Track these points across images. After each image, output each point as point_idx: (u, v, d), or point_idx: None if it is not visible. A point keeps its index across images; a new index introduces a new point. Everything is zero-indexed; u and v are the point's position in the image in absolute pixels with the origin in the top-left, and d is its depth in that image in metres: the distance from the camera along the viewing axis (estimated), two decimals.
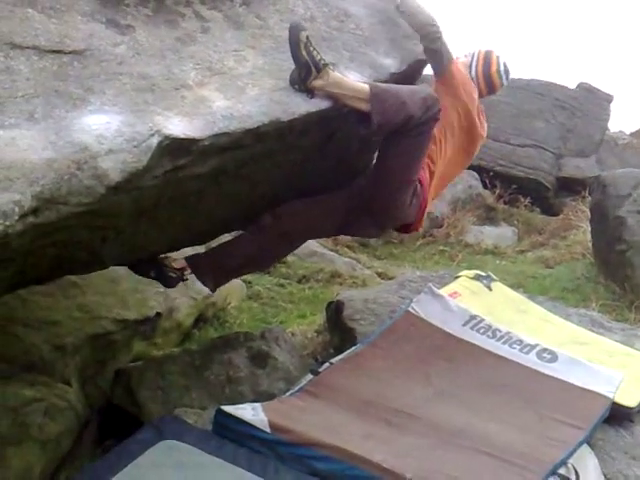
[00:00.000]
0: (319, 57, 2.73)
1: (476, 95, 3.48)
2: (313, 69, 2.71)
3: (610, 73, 30.94)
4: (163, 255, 3.26)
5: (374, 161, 3.29)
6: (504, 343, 3.48)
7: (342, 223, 3.30)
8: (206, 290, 4.89)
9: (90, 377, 3.59)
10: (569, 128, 10.50)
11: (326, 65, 2.75)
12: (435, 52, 3.23)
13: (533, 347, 3.48)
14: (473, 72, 3.55)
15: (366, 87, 2.83)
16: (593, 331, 3.94)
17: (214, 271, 3.25)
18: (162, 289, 4.46)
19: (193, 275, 3.27)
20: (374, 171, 3.20)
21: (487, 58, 3.58)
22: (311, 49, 2.72)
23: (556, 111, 10.51)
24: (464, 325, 3.57)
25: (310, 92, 2.75)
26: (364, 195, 3.17)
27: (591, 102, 10.80)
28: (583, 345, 3.67)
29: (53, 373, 3.29)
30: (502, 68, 3.59)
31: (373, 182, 3.13)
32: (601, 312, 4.66)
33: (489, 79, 3.57)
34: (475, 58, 3.59)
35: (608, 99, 10.97)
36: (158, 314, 4.24)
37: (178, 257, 3.30)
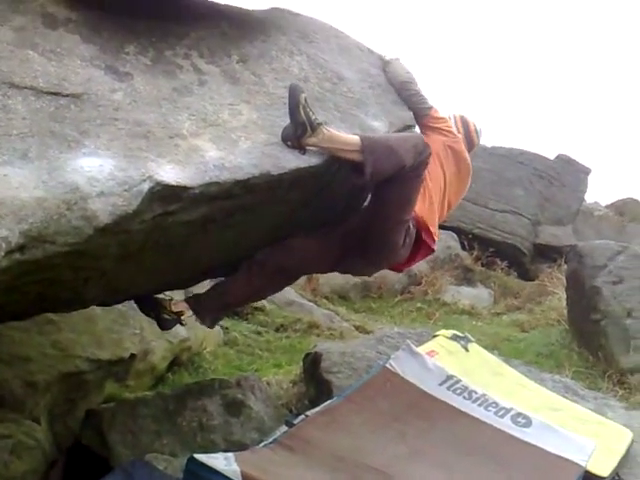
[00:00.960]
0: (314, 117, 2.82)
1: (457, 138, 3.66)
2: (308, 128, 2.80)
3: (587, 146, 31.83)
4: (165, 296, 3.30)
5: (366, 202, 3.37)
6: (480, 405, 3.50)
7: (337, 260, 3.37)
8: (183, 333, 4.92)
9: (60, 416, 3.55)
10: (547, 197, 10.76)
11: (320, 125, 2.84)
12: (413, 102, 3.55)
13: (508, 411, 3.50)
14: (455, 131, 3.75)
15: (357, 139, 2.93)
16: (567, 398, 3.97)
17: (213, 310, 3.33)
18: (138, 330, 4.47)
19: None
20: (367, 214, 3.27)
21: (464, 120, 3.90)
22: (308, 110, 2.81)
23: (535, 180, 10.79)
24: (441, 385, 3.59)
25: (302, 149, 2.84)
26: (358, 235, 3.23)
27: (569, 173, 11.11)
28: (557, 411, 3.70)
29: (23, 410, 3.25)
30: (477, 128, 3.93)
31: (366, 224, 3.20)
32: (574, 379, 4.70)
33: (469, 137, 3.85)
34: (453, 120, 3.84)
35: (586, 171, 11.29)
36: (132, 355, 4.21)
37: (178, 298, 3.34)
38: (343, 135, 2.94)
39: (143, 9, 2.96)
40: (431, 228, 3.41)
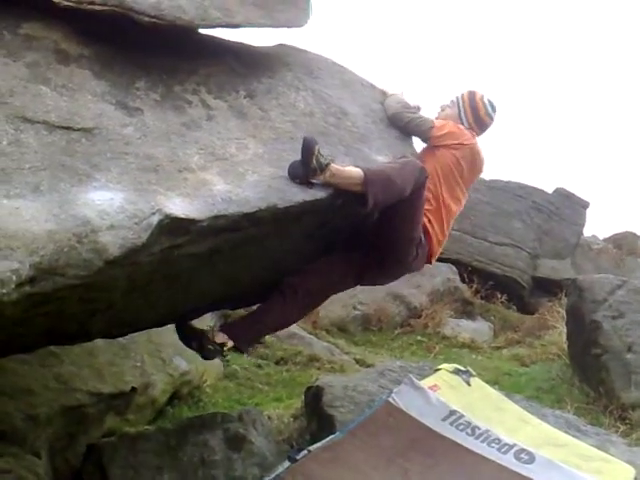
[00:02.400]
0: (323, 159, 2.90)
1: (467, 139, 3.69)
2: (318, 169, 2.89)
3: (585, 180, 32.10)
4: (207, 326, 3.37)
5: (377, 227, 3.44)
6: (483, 441, 3.48)
7: (359, 276, 3.54)
8: (183, 367, 4.90)
9: (60, 450, 3.51)
10: (545, 230, 10.83)
11: (328, 165, 2.91)
12: (412, 128, 3.65)
13: (511, 447, 3.48)
14: (465, 122, 3.77)
15: (360, 173, 3.01)
16: (569, 433, 3.94)
17: (250, 338, 3.45)
18: (139, 363, 4.46)
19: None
20: (377, 235, 3.39)
21: (472, 103, 3.81)
22: (319, 157, 2.88)
23: (533, 213, 10.87)
24: (443, 420, 3.57)
25: (310, 184, 2.91)
26: (374, 253, 3.41)
27: (568, 207, 11.20)
28: (560, 447, 3.67)
29: (24, 444, 3.22)
30: (489, 108, 3.83)
31: (378, 244, 3.38)
32: (576, 415, 4.68)
33: (480, 122, 3.82)
34: (462, 108, 3.81)
35: (584, 205, 11.38)
36: (133, 389, 4.19)
37: (212, 326, 3.44)
38: (347, 169, 3.02)
39: (153, 46, 3.01)
40: (435, 241, 3.58)
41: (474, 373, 4.29)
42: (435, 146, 3.65)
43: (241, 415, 3.72)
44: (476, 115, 3.79)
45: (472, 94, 3.83)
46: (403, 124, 3.65)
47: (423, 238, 3.49)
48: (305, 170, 2.87)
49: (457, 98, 3.84)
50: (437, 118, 3.81)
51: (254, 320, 3.34)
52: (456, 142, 3.63)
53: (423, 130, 3.66)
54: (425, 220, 3.49)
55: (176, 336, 4.86)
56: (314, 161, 2.87)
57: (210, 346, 3.20)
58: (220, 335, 3.21)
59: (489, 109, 3.82)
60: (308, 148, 2.87)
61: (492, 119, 3.85)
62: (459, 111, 3.80)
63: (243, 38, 3.43)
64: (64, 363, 3.82)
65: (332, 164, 2.93)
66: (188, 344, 3.33)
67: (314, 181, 2.91)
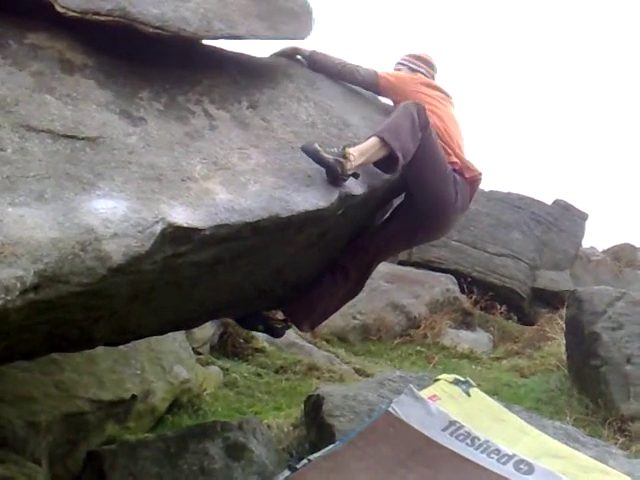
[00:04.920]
0: (334, 149, 2.95)
1: (417, 80, 3.79)
2: (341, 160, 2.92)
3: (584, 191, 32.14)
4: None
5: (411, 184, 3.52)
6: (482, 452, 3.48)
7: (408, 241, 3.80)
8: (184, 375, 4.91)
9: (60, 457, 3.52)
10: (544, 241, 10.86)
11: (344, 149, 2.96)
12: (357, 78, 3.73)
13: (510, 457, 3.48)
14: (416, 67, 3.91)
15: (375, 138, 3.11)
16: (568, 445, 3.94)
17: (311, 315, 3.60)
18: (139, 371, 4.46)
19: None
20: (412, 189, 3.49)
21: (413, 56, 3.99)
22: (327, 150, 2.93)
23: (532, 224, 10.90)
24: (444, 430, 3.57)
25: (355, 175, 3.00)
26: (420, 213, 3.53)
27: (567, 218, 11.23)
28: (559, 459, 3.67)
29: (24, 451, 3.23)
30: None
31: (416, 196, 3.49)
32: (575, 426, 4.68)
33: (426, 61, 3.97)
34: (407, 62, 3.96)
35: (583, 217, 11.42)
36: (133, 396, 4.20)
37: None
38: (364, 144, 3.10)
39: (157, 56, 3.04)
40: (467, 167, 3.63)
41: (474, 384, 4.30)
42: (387, 92, 3.74)
43: (241, 424, 3.73)
44: (420, 58, 3.96)
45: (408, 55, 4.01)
46: (350, 80, 3.71)
47: (457, 176, 3.53)
48: (331, 168, 2.91)
49: (401, 62, 3.97)
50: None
51: (307, 302, 3.53)
52: (404, 87, 3.70)
53: (370, 79, 3.71)
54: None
55: (176, 344, 4.94)
56: (325, 156, 2.90)
57: (277, 324, 3.49)
58: (279, 313, 3.49)
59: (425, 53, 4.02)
60: (311, 152, 2.90)
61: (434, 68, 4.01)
62: (408, 65, 3.92)
63: (246, 49, 3.47)
64: (65, 370, 3.84)
65: (348, 148, 2.98)
66: (253, 327, 3.65)
67: (352, 170, 2.96)
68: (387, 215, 3.82)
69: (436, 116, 3.58)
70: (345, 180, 2.97)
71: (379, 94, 3.83)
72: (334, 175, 2.93)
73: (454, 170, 3.56)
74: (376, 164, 3.16)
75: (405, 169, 3.32)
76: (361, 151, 3.04)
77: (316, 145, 2.92)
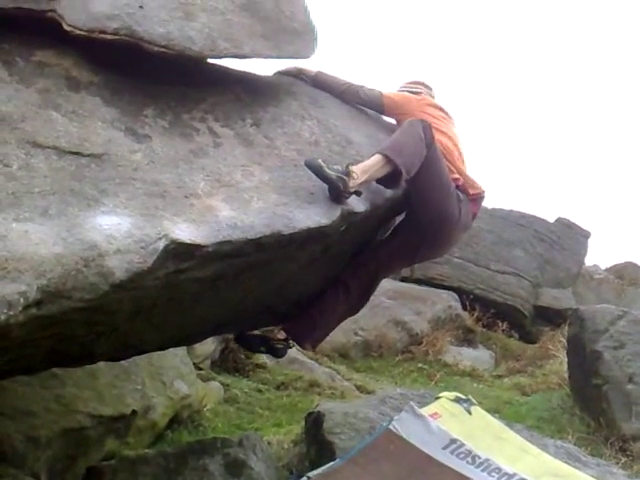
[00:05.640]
0: (338, 167, 2.99)
1: (422, 100, 3.85)
2: (344, 177, 2.95)
3: (587, 209, 32.17)
4: (267, 330, 3.60)
5: (414, 203, 3.55)
6: (483, 470, 3.47)
7: (410, 258, 3.82)
8: (184, 390, 4.91)
9: (59, 472, 3.51)
10: (547, 259, 10.85)
11: (348, 167, 2.99)
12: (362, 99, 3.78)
13: (511, 476, 3.46)
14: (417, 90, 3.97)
15: (379, 156, 3.14)
16: (569, 464, 3.92)
17: (312, 333, 3.61)
18: (139, 386, 4.46)
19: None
20: (416, 205, 3.51)
21: (412, 82, 4.07)
22: (330, 166, 2.96)
23: (535, 242, 10.90)
24: (444, 448, 3.56)
25: (357, 192, 3.03)
26: (423, 229, 3.54)
27: (569, 236, 11.24)
28: (560, 478, 3.65)
29: (23, 465, 3.23)
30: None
31: (420, 221, 3.51)
32: (577, 445, 4.66)
33: (423, 85, 4.04)
34: (408, 87, 4.02)
35: (586, 235, 11.42)
36: (134, 412, 4.19)
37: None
38: (367, 161, 3.14)
39: (162, 74, 3.08)
40: (471, 185, 3.67)
41: (475, 402, 4.29)
42: (390, 112, 3.79)
43: (241, 440, 3.72)
44: (418, 82, 4.04)
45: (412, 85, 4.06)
46: (355, 100, 3.76)
47: (460, 194, 3.55)
48: (333, 185, 2.93)
49: (399, 91, 4.01)
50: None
51: (309, 319, 3.55)
52: (407, 107, 3.75)
53: (374, 98, 3.76)
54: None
55: (177, 359, 4.94)
56: (328, 172, 2.92)
57: (278, 345, 3.49)
58: (281, 333, 3.51)
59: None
60: (314, 167, 2.93)
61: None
62: (408, 91, 3.96)
63: (250, 68, 3.50)
64: (65, 385, 3.84)
65: (351, 166, 3.01)
66: (255, 349, 3.69)
67: (355, 188, 2.99)
68: (389, 231, 3.84)
69: (441, 134, 3.61)
70: (347, 197, 2.99)
71: (383, 114, 3.87)
72: (336, 192, 2.95)
73: (457, 187, 3.59)
74: (380, 181, 3.18)
75: (409, 185, 3.35)
76: (364, 169, 3.07)
77: (320, 161, 2.95)
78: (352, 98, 3.76)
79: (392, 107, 3.78)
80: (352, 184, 2.98)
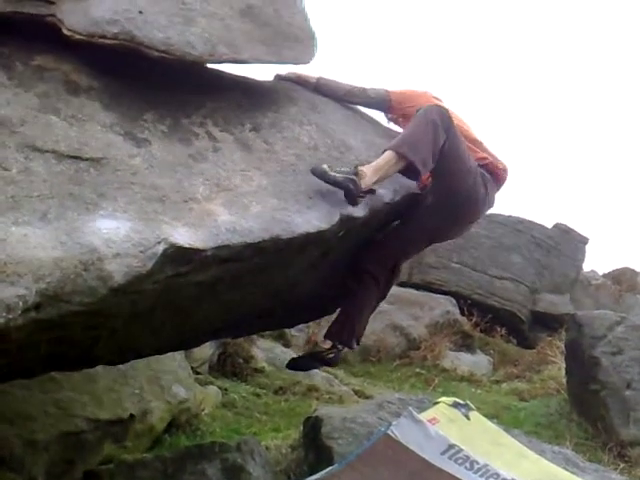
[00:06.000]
0: (344, 169, 2.99)
1: (428, 94, 3.79)
2: (353, 177, 2.95)
3: (584, 215, 32.21)
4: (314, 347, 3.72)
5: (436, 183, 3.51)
6: (481, 476, 3.46)
7: (430, 240, 3.79)
8: (182, 394, 4.91)
9: (57, 476, 3.52)
10: (545, 265, 10.88)
11: (357, 167, 3.00)
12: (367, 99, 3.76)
13: None
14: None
15: (391, 152, 3.12)
16: (567, 469, 3.92)
17: (356, 331, 3.62)
18: (137, 390, 4.46)
19: None
20: (439, 187, 3.46)
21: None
22: (336, 169, 2.97)
23: (533, 248, 10.93)
24: (442, 454, 3.55)
25: (371, 191, 3.03)
26: (450, 212, 3.50)
27: (567, 242, 11.26)
28: None
29: (21, 469, 3.24)
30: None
31: (444, 193, 3.44)
32: (575, 451, 4.66)
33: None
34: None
35: (583, 241, 11.44)
36: (131, 416, 4.20)
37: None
38: (379, 160, 3.13)
39: (162, 79, 3.08)
40: (496, 163, 3.61)
41: (473, 407, 4.28)
42: (404, 115, 3.69)
43: (239, 445, 3.71)
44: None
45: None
46: (360, 99, 3.74)
47: (486, 174, 3.51)
48: (344, 187, 2.93)
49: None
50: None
51: (347, 318, 3.57)
52: (423, 97, 3.71)
53: (380, 95, 3.73)
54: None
55: (175, 363, 4.94)
56: (334, 175, 2.93)
57: (329, 354, 3.54)
58: (327, 342, 3.56)
59: None
60: (319, 173, 2.95)
61: None
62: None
63: (249, 73, 3.51)
64: (63, 389, 3.84)
65: (360, 166, 3.01)
66: (310, 368, 3.86)
67: (368, 187, 2.99)
68: (406, 217, 3.75)
69: (455, 119, 3.57)
70: (363, 197, 3.00)
71: (390, 109, 3.81)
72: (349, 193, 2.95)
73: (485, 166, 3.56)
74: (400, 172, 3.18)
75: (432, 172, 3.35)
76: (376, 167, 3.08)
77: (324, 166, 2.97)
78: (357, 98, 3.76)
79: (400, 101, 3.74)
80: (364, 184, 2.98)
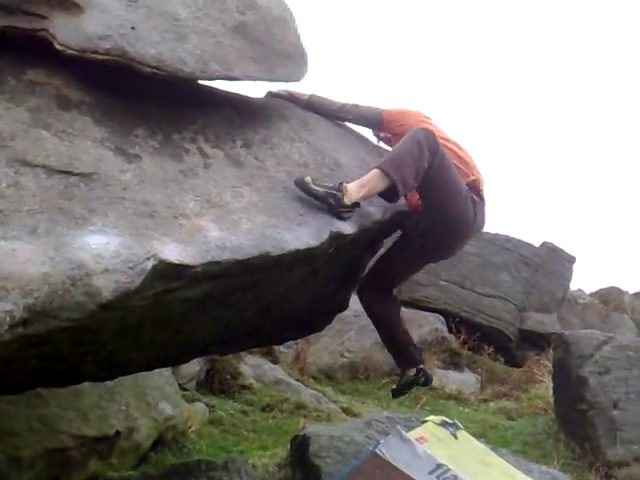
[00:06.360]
0: (328, 184, 3.05)
1: (420, 114, 3.84)
2: (335, 193, 3.02)
3: (572, 234, 32.41)
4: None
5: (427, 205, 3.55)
6: None
7: (426, 260, 3.88)
8: (168, 411, 4.87)
9: None
10: (532, 283, 10.91)
11: (341, 184, 3.06)
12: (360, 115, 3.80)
13: None
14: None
15: (376, 170, 3.18)
16: None
17: (415, 349, 3.91)
18: (123, 407, 4.42)
19: None
20: (431, 219, 3.52)
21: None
22: (318, 183, 3.03)
23: (520, 266, 10.97)
24: (430, 473, 3.54)
25: (355, 206, 3.09)
26: (439, 234, 3.55)
27: (554, 261, 11.31)
28: None
29: None
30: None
31: (435, 218, 3.50)
32: (562, 471, 4.66)
33: None
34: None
35: (571, 260, 11.50)
36: (117, 433, 4.16)
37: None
38: (363, 177, 3.19)
39: (154, 95, 3.09)
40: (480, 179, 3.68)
41: (461, 426, 4.28)
42: (395, 134, 3.74)
43: (226, 463, 3.69)
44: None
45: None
46: (352, 115, 3.78)
47: (475, 197, 3.56)
48: (323, 201, 3.00)
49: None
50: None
51: (400, 344, 3.84)
52: (414, 117, 3.75)
53: (372, 112, 3.78)
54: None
55: (162, 380, 4.90)
56: (314, 186, 2.99)
57: (420, 379, 3.87)
58: (412, 370, 3.86)
59: None
60: (300, 184, 3.00)
61: None
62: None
63: (241, 89, 3.53)
64: (49, 404, 3.80)
65: (345, 183, 3.07)
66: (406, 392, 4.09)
67: (351, 204, 3.06)
68: (398, 240, 3.83)
69: (444, 140, 3.62)
70: (347, 212, 3.06)
71: (382, 127, 3.85)
72: (329, 206, 3.01)
73: (473, 189, 3.61)
74: (381, 194, 3.23)
75: (422, 191, 3.42)
76: (362, 183, 3.14)
77: (307, 178, 3.02)
78: (349, 115, 3.80)
79: (391, 120, 3.79)
80: (347, 199, 3.03)
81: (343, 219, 3.05)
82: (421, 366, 3.86)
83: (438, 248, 3.71)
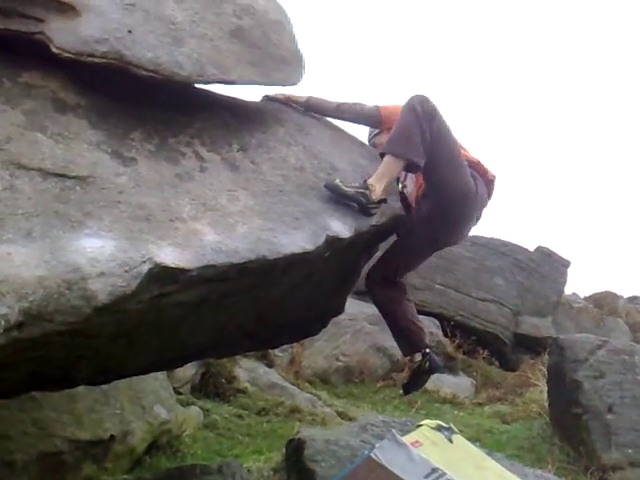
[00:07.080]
0: (355, 183, 3.14)
1: None
2: (363, 191, 3.11)
3: (567, 238, 32.48)
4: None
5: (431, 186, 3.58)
6: None
7: (431, 246, 3.87)
8: (163, 415, 4.85)
9: None
10: (527, 287, 10.94)
11: (365, 182, 3.15)
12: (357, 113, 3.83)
13: None
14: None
15: (389, 157, 3.27)
16: None
17: (422, 332, 3.91)
18: (118, 410, 4.41)
19: None
20: (432, 193, 3.54)
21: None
22: (347, 183, 3.12)
23: (515, 270, 10.99)
24: (425, 477, 3.52)
25: (383, 201, 3.19)
26: (445, 210, 3.54)
27: (549, 265, 11.34)
28: None
29: None
30: None
31: (444, 197, 3.51)
32: (557, 475, 4.66)
33: None
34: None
35: (565, 264, 11.53)
36: (112, 437, 4.14)
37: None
38: (381, 167, 3.27)
39: (150, 98, 3.09)
40: (486, 169, 3.69)
41: (456, 430, 4.27)
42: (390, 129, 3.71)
43: (220, 467, 3.68)
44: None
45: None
46: (351, 115, 3.81)
47: (475, 172, 3.56)
48: (355, 200, 3.08)
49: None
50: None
51: (407, 328, 3.83)
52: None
53: (370, 109, 3.80)
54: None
55: (157, 383, 4.89)
56: (346, 188, 3.07)
57: (424, 364, 3.82)
58: (416, 355, 3.81)
59: None
60: (331, 187, 3.09)
61: None
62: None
63: (238, 93, 3.53)
64: (44, 408, 3.79)
65: (368, 179, 3.16)
66: (422, 383, 4.05)
67: (379, 198, 3.15)
68: (402, 230, 3.80)
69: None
70: (376, 208, 3.15)
71: (380, 124, 3.86)
72: (361, 205, 3.10)
73: (473, 167, 3.61)
74: (405, 170, 3.34)
75: (425, 165, 3.40)
76: (380, 175, 3.22)
77: (337, 181, 3.10)
78: (347, 114, 3.81)
79: (389, 117, 3.77)
80: (374, 196, 3.13)
81: (371, 215, 3.15)
82: (427, 350, 3.82)
83: (441, 228, 3.66)
